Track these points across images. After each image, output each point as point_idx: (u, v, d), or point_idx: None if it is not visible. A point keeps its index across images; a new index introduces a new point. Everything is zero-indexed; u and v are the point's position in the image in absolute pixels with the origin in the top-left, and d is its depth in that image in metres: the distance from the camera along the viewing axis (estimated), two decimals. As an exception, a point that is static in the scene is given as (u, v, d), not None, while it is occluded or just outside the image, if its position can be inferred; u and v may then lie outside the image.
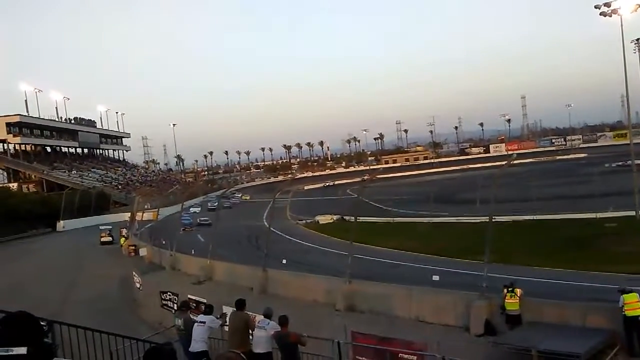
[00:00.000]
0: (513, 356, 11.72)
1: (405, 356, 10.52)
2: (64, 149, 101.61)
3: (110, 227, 52.01)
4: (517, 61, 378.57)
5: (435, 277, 19.48)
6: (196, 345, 9.77)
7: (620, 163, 75.13)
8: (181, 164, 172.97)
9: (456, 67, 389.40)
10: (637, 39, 74.60)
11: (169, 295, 21.09)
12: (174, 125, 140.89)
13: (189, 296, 18.30)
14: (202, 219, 59.25)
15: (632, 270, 23.06)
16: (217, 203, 72.18)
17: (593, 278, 22.83)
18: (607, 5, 42.68)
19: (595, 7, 43.33)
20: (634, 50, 74.47)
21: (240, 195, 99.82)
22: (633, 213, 37.65)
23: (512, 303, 13.65)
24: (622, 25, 42.31)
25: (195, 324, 10.09)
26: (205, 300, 15.44)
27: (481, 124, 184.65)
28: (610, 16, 42.73)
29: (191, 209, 60.37)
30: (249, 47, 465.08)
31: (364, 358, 11.15)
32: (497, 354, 12.04)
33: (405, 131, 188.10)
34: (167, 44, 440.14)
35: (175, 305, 19.18)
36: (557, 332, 12.20)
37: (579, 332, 12.09)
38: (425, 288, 17.25)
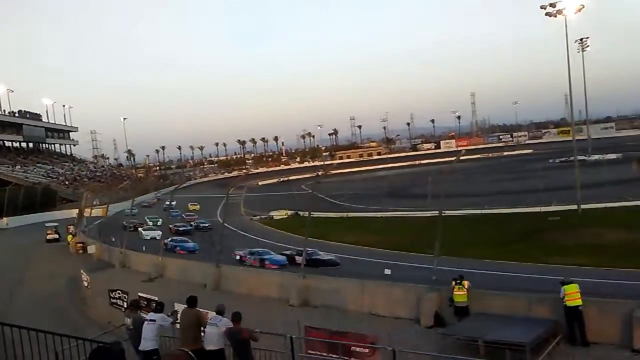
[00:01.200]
0: (461, 346, 12.04)
1: (357, 349, 10.65)
2: (7, 143, 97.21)
3: (57, 224, 50.30)
4: (467, 59, 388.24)
5: (387, 271, 19.82)
6: (146, 344, 9.59)
7: (563, 159, 78.17)
8: (132, 159, 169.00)
9: (408, 64, 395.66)
10: (581, 39, 78.02)
11: (119, 293, 20.64)
12: (124, 119, 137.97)
13: (139, 294, 17.94)
14: None
15: (574, 261, 24.14)
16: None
17: (538, 270, 23.70)
18: (553, 5, 44.28)
19: (541, 7, 44.87)
20: (578, 50, 77.95)
21: (171, 201, 67.00)
22: (575, 207, 39.25)
23: (460, 295, 14.05)
24: (566, 25, 44.03)
25: (145, 322, 9.91)
26: (156, 298, 15.19)
27: (432, 121, 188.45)
28: (556, 16, 44.37)
29: (145, 233, 43.45)
30: (203, 46, 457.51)
31: (316, 352, 11.21)
32: (445, 344, 12.34)
33: (359, 127, 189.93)
34: (119, 39, 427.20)
35: (125, 303, 18.80)
36: (503, 322, 12.62)
37: (524, 322, 12.52)
38: (378, 282, 17.49)
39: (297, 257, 27.57)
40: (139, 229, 44.73)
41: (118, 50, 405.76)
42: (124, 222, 44.28)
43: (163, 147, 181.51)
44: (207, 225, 49.80)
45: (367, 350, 10.58)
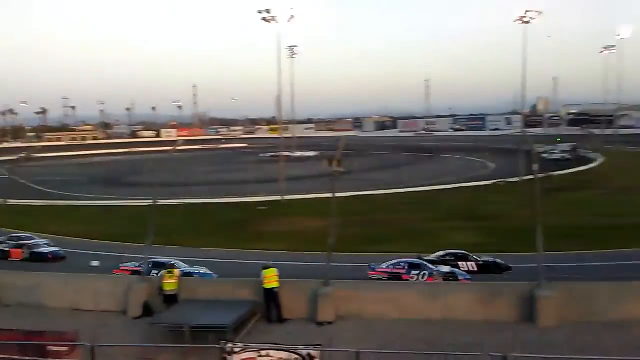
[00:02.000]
0: (169, 334, 12.34)
1: (54, 348, 10.03)
2: None
3: None
4: (191, 52, 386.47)
5: (95, 263, 18.97)
6: None
7: (272, 153, 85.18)
8: None
9: (128, 49, 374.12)
10: (291, 47, 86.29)
11: None
12: None
13: None
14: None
15: (277, 246, 26.87)
16: None
17: (243, 255, 25.66)
18: (268, 11, 47.92)
19: (258, 11, 48.07)
20: (289, 56, 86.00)
21: None
22: (279, 197, 43.47)
23: (169, 283, 14.38)
24: (278, 32, 48.39)
25: None
26: None
27: (154, 108, 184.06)
28: (270, 22, 48.18)
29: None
30: None
31: (5, 356, 10.16)
32: (153, 333, 12.48)
33: (73, 107, 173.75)
34: None
35: None
36: (209, 307, 13.43)
37: (228, 305, 13.50)
38: (83, 275, 16.61)
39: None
40: None
41: None
42: None
43: None
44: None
45: (65, 348, 10.06)
